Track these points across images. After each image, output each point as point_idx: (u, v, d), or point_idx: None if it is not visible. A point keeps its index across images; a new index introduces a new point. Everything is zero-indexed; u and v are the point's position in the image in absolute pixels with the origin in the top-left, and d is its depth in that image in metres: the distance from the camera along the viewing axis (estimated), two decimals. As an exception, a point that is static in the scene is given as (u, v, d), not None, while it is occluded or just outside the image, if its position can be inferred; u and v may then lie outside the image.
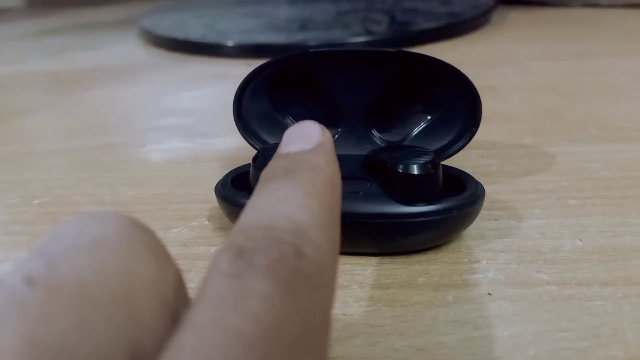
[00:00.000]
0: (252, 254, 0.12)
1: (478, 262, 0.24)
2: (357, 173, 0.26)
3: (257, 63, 0.28)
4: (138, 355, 0.11)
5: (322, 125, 0.18)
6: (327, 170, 0.16)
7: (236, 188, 0.25)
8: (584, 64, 0.51)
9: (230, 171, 0.27)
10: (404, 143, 0.28)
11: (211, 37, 0.61)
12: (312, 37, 0.58)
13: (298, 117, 0.30)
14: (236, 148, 0.37)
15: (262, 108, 0.29)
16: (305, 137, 0.18)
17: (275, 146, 0.27)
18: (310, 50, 0.28)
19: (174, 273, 0.13)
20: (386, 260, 0.24)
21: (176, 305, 0.12)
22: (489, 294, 0.22)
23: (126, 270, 0.12)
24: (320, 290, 0.12)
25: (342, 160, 0.27)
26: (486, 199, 0.25)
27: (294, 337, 0.11)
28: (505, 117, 0.39)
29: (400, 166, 0.23)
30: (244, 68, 0.56)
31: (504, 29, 0.66)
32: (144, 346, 0.11)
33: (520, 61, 0.53)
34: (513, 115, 0.40)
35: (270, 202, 0.14)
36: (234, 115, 0.28)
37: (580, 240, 0.25)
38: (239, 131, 0.29)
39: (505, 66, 0.52)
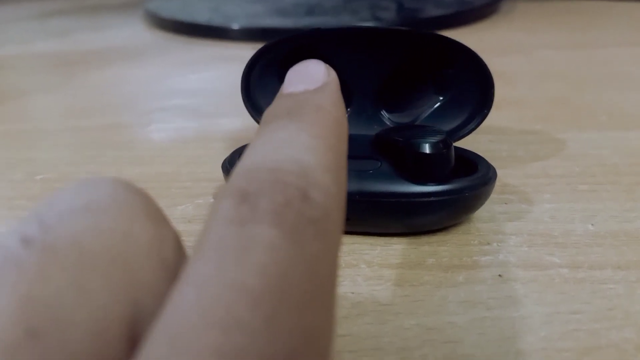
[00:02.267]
0: (255, 198, 0.11)
1: (488, 244, 0.24)
2: (367, 152, 0.25)
3: (264, 46, 0.28)
4: (138, 315, 0.10)
5: (327, 65, 0.18)
6: (333, 111, 0.15)
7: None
8: (593, 53, 0.51)
9: (238, 148, 0.27)
10: (414, 124, 0.28)
11: (217, 21, 0.61)
12: (319, 22, 0.58)
13: (307, 97, 0.29)
14: (242, 128, 0.37)
15: (271, 87, 0.29)
16: (310, 77, 0.17)
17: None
18: (320, 28, 0.27)
19: (172, 236, 0.12)
20: (395, 240, 0.24)
21: (176, 268, 0.12)
22: (499, 275, 0.22)
23: (123, 232, 0.11)
24: (327, 237, 0.11)
25: (352, 139, 0.26)
26: (496, 182, 0.24)
27: (301, 290, 0.10)
28: (515, 104, 0.39)
29: (412, 145, 0.23)
30: (250, 52, 0.55)
31: (513, 19, 0.66)
32: (144, 306, 0.11)
33: (529, 50, 0.53)
34: (523, 102, 0.39)
35: (273, 144, 0.13)
36: (241, 93, 0.28)
37: (592, 224, 0.25)
38: (247, 109, 0.28)
39: (515, 54, 0.51)
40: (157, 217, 0.12)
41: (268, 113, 0.15)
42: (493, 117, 0.27)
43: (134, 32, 0.67)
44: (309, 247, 0.11)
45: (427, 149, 0.23)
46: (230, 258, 0.10)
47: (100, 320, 0.10)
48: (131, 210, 0.12)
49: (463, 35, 0.59)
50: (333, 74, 0.17)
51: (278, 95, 0.17)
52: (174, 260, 0.12)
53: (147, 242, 0.11)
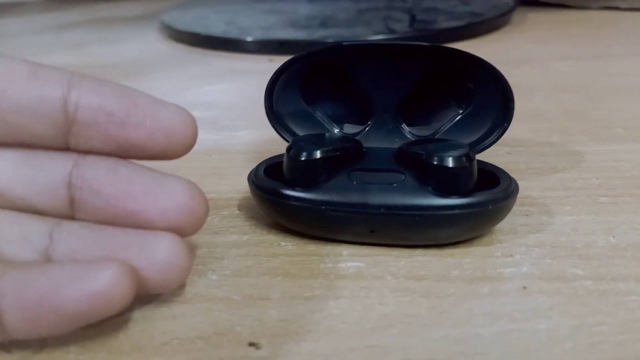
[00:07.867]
0: None
1: (511, 256, 0.24)
2: (390, 165, 0.26)
3: (279, 59, 0.28)
4: None
5: None
6: None
7: (269, 178, 0.25)
8: (605, 64, 0.51)
9: (263, 161, 0.27)
10: (434, 137, 0.28)
11: (233, 33, 0.62)
12: (332, 35, 0.58)
13: (328, 110, 0.30)
14: (261, 141, 0.37)
15: (293, 100, 0.29)
16: None
17: (307, 137, 0.27)
18: (343, 43, 0.28)
19: None
20: (419, 252, 0.24)
21: None
22: (524, 287, 0.22)
23: None
24: None
25: (375, 152, 0.27)
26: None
27: None
28: (531, 116, 0.39)
29: (436, 158, 0.23)
30: (265, 64, 0.56)
31: (524, 30, 0.66)
32: None
33: (542, 61, 0.53)
34: (539, 114, 0.40)
35: None
36: (265, 106, 0.28)
37: (614, 236, 0.25)
38: (270, 122, 0.29)
39: (528, 66, 0.52)
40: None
41: None
42: (510, 129, 0.27)
43: (150, 44, 0.68)
44: None
45: (450, 162, 0.23)
46: None
47: None
48: None
49: (476, 47, 0.59)
50: None
51: None
52: None
53: None
